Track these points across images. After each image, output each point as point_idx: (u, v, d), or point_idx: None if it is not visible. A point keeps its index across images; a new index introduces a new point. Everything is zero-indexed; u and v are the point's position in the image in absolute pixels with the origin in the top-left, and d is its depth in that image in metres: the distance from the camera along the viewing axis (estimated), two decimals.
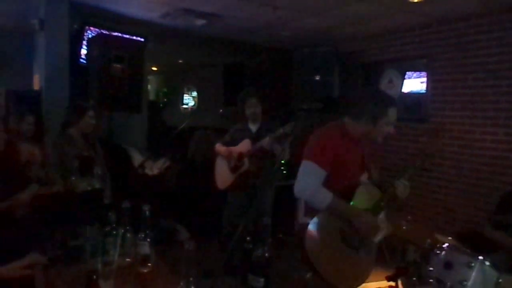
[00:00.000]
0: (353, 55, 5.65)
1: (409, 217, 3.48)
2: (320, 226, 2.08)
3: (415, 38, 4.86)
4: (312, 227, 2.07)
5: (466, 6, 3.93)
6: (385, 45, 5.27)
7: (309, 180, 2.13)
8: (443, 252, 2.78)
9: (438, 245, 2.88)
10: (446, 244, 2.85)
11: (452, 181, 4.48)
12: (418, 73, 4.89)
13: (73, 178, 2.63)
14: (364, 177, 2.36)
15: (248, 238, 1.65)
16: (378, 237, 2.25)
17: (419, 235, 3.24)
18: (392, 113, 2.21)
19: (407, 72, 4.99)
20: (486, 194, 4.10)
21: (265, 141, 3.45)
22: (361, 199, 2.20)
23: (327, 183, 2.14)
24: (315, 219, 2.09)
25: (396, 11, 4.24)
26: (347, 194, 2.18)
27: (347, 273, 2.12)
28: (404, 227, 3.42)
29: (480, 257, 2.63)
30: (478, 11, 4.07)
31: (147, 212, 1.75)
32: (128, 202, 1.80)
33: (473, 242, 3.34)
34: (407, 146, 4.96)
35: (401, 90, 5.08)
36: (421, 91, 4.82)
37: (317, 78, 5.44)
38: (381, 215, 2.26)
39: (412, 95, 4.93)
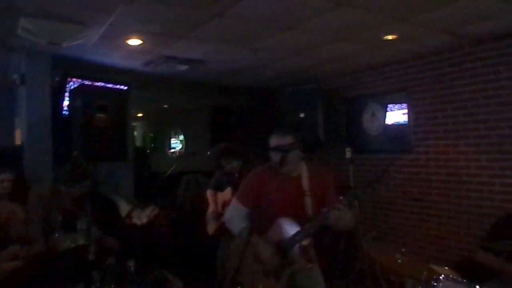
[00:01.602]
0: (335, 91, 5.77)
1: (403, 249, 3.44)
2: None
3: (393, 72, 5.01)
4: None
5: (437, 41, 4.09)
6: (366, 80, 5.41)
7: (229, 214, 2.61)
8: (440, 284, 2.76)
9: (434, 277, 2.85)
10: (442, 276, 2.83)
11: (442, 209, 4.47)
12: (396, 105, 5.00)
13: (56, 235, 2.54)
14: (308, 208, 2.41)
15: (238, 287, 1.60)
16: (293, 268, 2.31)
17: (414, 267, 3.20)
18: (272, 139, 2.44)
19: (389, 105, 5.10)
20: (476, 220, 4.10)
21: (227, 193, 3.70)
22: (277, 231, 2.36)
23: (257, 214, 2.44)
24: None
25: (373, 48, 4.38)
26: (267, 225, 2.40)
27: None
28: (399, 260, 3.37)
29: (477, 287, 2.60)
30: (450, 45, 4.24)
31: (133, 268, 1.68)
32: (113, 259, 1.73)
33: (468, 270, 3.31)
34: (394, 177, 4.98)
35: (384, 122, 5.16)
36: (403, 123, 4.90)
37: (302, 115, 5.51)
38: (296, 248, 2.31)
39: (395, 126, 5.01)
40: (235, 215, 2.56)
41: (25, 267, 2.18)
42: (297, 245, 2.30)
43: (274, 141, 2.46)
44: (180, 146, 10.28)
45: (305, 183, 2.48)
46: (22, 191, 3.55)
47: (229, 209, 2.65)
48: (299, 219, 2.37)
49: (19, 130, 4.74)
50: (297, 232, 2.32)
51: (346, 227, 2.38)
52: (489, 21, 3.52)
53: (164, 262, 4.23)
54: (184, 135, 10.10)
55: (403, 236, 4.87)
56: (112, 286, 1.70)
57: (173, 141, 10.51)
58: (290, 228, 2.34)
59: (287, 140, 2.43)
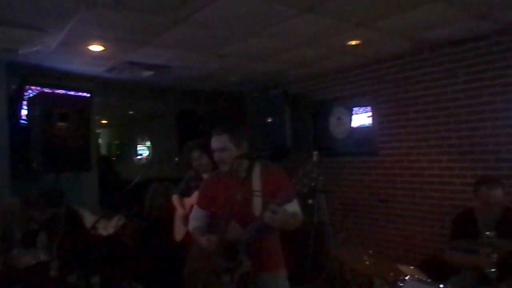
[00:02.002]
0: (302, 95, 5.83)
1: (370, 251, 3.51)
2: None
3: (357, 76, 5.12)
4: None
5: (398, 46, 4.22)
6: (331, 84, 5.50)
7: (191, 216, 2.71)
8: (406, 284, 2.83)
9: (401, 277, 2.93)
10: (408, 276, 2.91)
11: (407, 210, 4.60)
12: (360, 109, 5.11)
13: (15, 252, 2.41)
14: (256, 208, 2.41)
15: None
16: (241, 270, 2.33)
17: (382, 268, 3.27)
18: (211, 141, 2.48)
19: (354, 108, 5.20)
20: (439, 219, 4.24)
21: (195, 196, 3.49)
22: (227, 234, 2.39)
23: (213, 217, 2.51)
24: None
25: (338, 53, 4.46)
26: (222, 228, 2.42)
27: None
28: (367, 262, 3.44)
29: (441, 285, 2.69)
30: (410, 50, 4.38)
31: (97, 286, 1.62)
32: (75, 276, 1.66)
33: (434, 269, 3.42)
34: (361, 179, 5.08)
35: (350, 125, 5.26)
36: (368, 126, 5.01)
37: (269, 120, 5.53)
38: (242, 251, 2.34)
39: (361, 129, 5.11)
40: (193, 216, 2.68)
41: None
42: (243, 248, 2.31)
43: (212, 142, 2.48)
44: (147, 152, 10.09)
45: (256, 183, 2.46)
46: None
47: (192, 212, 2.75)
48: (245, 220, 2.36)
49: None
50: (243, 233, 2.32)
51: (287, 227, 2.36)
52: (446, 28, 3.66)
53: (132, 273, 4.13)
54: (150, 142, 9.93)
55: (371, 237, 4.96)
56: None
57: (139, 147, 10.31)
58: (234, 231, 2.37)
59: (222, 139, 2.42)
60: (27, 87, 4.30)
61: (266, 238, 2.43)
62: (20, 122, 4.29)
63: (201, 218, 2.61)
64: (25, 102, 4.31)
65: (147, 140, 10.08)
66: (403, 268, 3.23)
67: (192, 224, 2.65)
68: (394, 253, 4.66)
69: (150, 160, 9.77)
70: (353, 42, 4.04)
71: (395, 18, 3.37)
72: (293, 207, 2.39)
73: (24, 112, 4.31)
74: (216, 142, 2.45)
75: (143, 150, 10.25)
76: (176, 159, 7.78)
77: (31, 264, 2.30)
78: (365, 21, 3.46)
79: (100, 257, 3.72)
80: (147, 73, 4.89)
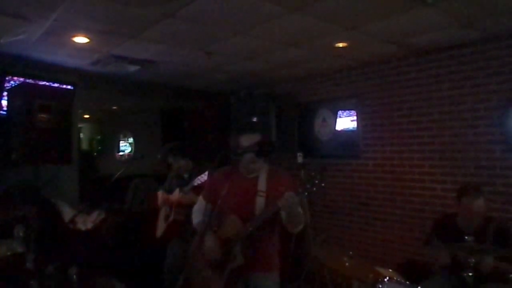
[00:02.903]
0: (288, 96, 5.84)
1: (350, 252, 3.53)
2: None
3: (343, 79, 5.16)
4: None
5: (386, 50, 4.26)
6: (317, 86, 5.53)
7: (195, 207, 2.80)
8: (385, 286, 2.87)
9: (379, 279, 2.96)
10: (386, 278, 2.94)
11: (387, 213, 4.65)
12: (348, 111, 5.15)
13: None
14: (258, 208, 2.48)
15: None
16: (234, 264, 2.39)
17: (361, 270, 3.30)
18: (239, 140, 2.55)
19: (339, 111, 5.24)
20: (419, 224, 4.30)
21: (175, 195, 3.69)
22: (227, 228, 2.48)
23: (214, 210, 2.55)
24: None
25: (324, 55, 4.49)
26: (221, 220, 2.53)
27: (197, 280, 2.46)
28: (347, 264, 3.46)
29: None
30: (396, 55, 4.43)
31: (74, 277, 1.59)
32: (52, 267, 1.63)
33: (412, 272, 3.47)
34: (343, 181, 5.12)
35: (334, 128, 5.30)
36: (353, 129, 5.05)
37: (254, 119, 5.52)
38: (238, 246, 2.40)
39: (345, 132, 5.15)
40: (197, 208, 2.76)
41: None
42: (240, 243, 2.35)
43: (242, 141, 2.51)
44: (130, 149, 9.97)
45: (262, 184, 2.52)
46: None
47: (197, 203, 2.81)
48: (246, 218, 2.41)
49: None
50: (243, 227, 2.37)
51: (295, 221, 2.44)
52: (432, 34, 3.72)
53: (110, 268, 4.07)
54: (133, 138, 9.82)
55: (350, 240, 5.01)
56: None
57: (122, 143, 10.18)
58: (234, 225, 2.41)
59: (252, 140, 2.48)
60: (7, 77, 4.19)
61: (265, 238, 2.47)
62: None
63: (202, 209, 2.66)
64: (5, 93, 4.20)
65: (130, 137, 9.95)
66: (381, 270, 3.26)
67: (196, 217, 2.72)
68: (373, 256, 4.71)
69: (132, 156, 9.65)
70: (340, 45, 4.07)
71: (383, 22, 3.41)
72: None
73: (4, 102, 4.20)
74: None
75: (125, 147, 10.12)
76: (158, 156, 7.74)
77: (6, 255, 2.24)
78: (353, 24, 3.49)
79: (77, 251, 3.66)
80: (132, 68, 4.82)
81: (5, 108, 4.18)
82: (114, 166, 9.26)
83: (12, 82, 4.16)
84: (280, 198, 2.27)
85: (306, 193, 2.33)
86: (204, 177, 3.39)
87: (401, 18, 3.30)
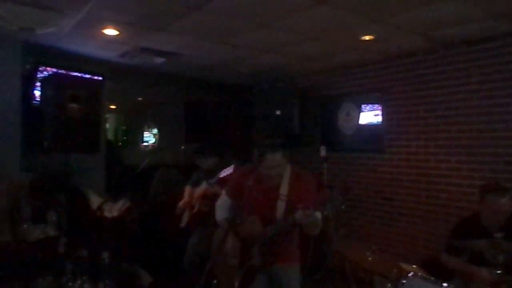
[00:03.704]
0: (311, 89, 5.82)
1: (374, 247, 3.51)
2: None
3: (368, 73, 5.10)
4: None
5: (412, 43, 4.19)
6: (341, 79, 5.48)
7: (218, 202, 2.81)
8: (409, 281, 2.83)
9: (404, 275, 2.92)
10: (411, 273, 2.90)
11: (412, 209, 4.60)
12: (371, 105, 5.09)
13: (25, 226, 2.46)
14: (279, 212, 2.50)
15: (214, 281, 1.60)
16: (251, 263, 2.42)
17: (384, 265, 3.27)
18: (258, 138, 2.54)
19: (363, 105, 5.19)
20: (444, 220, 4.23)
21: (202, 187, 3.83)
22: (247, 227, 2.49)
23: (237, 208, 2.62)
24: None
25: (348, 48, 4.44)
26: (242, 219, 2.56)
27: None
28: (369, 258, 3.44)
29: (445, 284, 2.69)
30: (424, 48, 4.35)
31: (107, 260, 1.65)
32: (85, 250, 1.69)
33: (435, 270, 3.42)
34: (367, 176, 5.08)
35: (358, 122, 5.26)
36: (377, 123, 5.00)
37: (278, 112, 5.53)
38: (256, 247, 2.43)
39: (369, 126, 5.10)
40: (220, 205, 2.79)
41: None
42: (259, 244, 2.38)
43: (260, 139, 2.53)
44: (153, 140, 10.13)
45: (284, 187, 2.53)
46: None
47: (219, 198, 2.85)
48: (266, 220, 2.43)
49: None
50: (263, 231, 2.39)
51: (311, 230, 2.47)
52: (461, 26, 3.63)
53: (133, 256, 4.18)
54: (157, 129, 9.96)
55: (373, 235, 4.98)
56: (85, 278, 1.65)
57: (146, 134, 10.35)
58: (254, 226, 2.43)
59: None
60: (41, 67, 4.33)
61: (284, 236, 2.48)
62: (32, 102, 4.33)
63: (228, 206, 2.72)
64: (38, 83, 4.34)
65: (154, 128, 10.11)
66: (405, 266, 3.23)
67: (219, 213, 2.74)
68: (396, 252, 4.66)
69: (156, 147, 9.81)
70: (366, 38, 4.02)
71: (410, 14, 3.35)
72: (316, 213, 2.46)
73: (37, 92, 4.34)
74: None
75: (149, 137, 10.29)
76: (182, 147, 7.85)
77: (40, 239, 2.34)
78: (379, 16, 3.44)
79: (104, 237, 3.78)
80: (158, 60, 4.89)
81: (38, 98, 4.33)
82: (138, 157, 9.43)
83: (45, 72, 4.29)
84: (297, 211, 2.28)
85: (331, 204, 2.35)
86: (229, 169, 3.44)
87: (429, 9, 3.23)
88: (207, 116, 7.31)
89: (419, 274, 2.94)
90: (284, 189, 2.52)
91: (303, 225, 2.34)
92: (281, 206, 2.48)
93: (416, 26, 3.67)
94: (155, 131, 10.09)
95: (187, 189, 4.10)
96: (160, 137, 9.85)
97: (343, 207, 2.41)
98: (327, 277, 4.55)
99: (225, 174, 3.54)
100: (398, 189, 4.74)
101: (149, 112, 10.12)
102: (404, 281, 2.85)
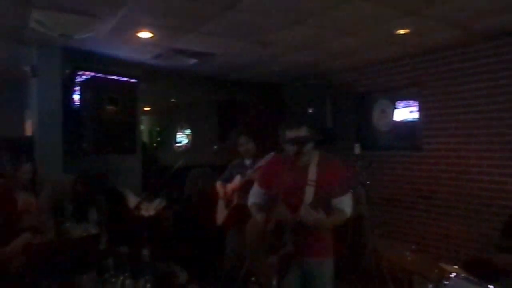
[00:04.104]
0: (344, 86, 5.73)
1: (413, 246, 3.43)
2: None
3: (404, 67, 4.96)
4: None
5: (451, 36, 4.04)
6: (375, 75, 5.37)
7: (250, 192, 2.81)
8: (452, 283, 2.72)
9: (445, 275, 2.82)
10: (454, 274, 2.79)
11: (451, 208, 4.44)
12: (406, 102, 4.96)
13: (68, 225, 2.55)
14: (307, 198, 2.45)
15: (253, 279, 1.60)
16: (284, 251, 2.38)
17: (425, 266, 3.18)
18: (287, 131, 2.49)
19: (397, 102, 5.06)
20: (487, 220, 4.06)
21: (236, 181, 3.73)
22: (276, 215, 2.45)
23: (268, 197, 2.62)
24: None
25: (384, 43, 4.34)
26: (272, 206, 2.52)
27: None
28: (408, 258, 3.36)
29: (490, 286, 2.57)
30: (463, 40, 4.19)
31: (147, 256, 1.68)
32: (126, 247, 1.73)
33: (480, 270, 3.27)
34: (403, 174, 4.95)
35: (393, 119, 5.13)
36: (413, 120, 4.86)
37: (310, 110, 5.48)
38: (287, 233, 2.40)
39: (405, 123, 4.97)
40: (252, 192, 2.80)
41: (37, 255, 2.19)
42: (290, 231, 2.36)
43: (290, 133, 2.48)
44: (186, 140, 10.28)
45: (312, 173, 2.49)
46: (34, 182, 3.57)
47: (253, 187, 2.86)
48: (295, 207, 2.39)
49: (29, 121, 4.76)
50: (295, 214, 2.37)
51: (324, 227, 2.44)
52: (501, 17, 3.47)
53: (170, 254, 4.26)
54: (190, 129, 10.10)
55: (411, 234, 4.84)
56: (126, 274, 1.69)
57: (179, 135, 10.52)
58: (283, 213, 2.42)
59: (303, 132, 2.44)
60: (79, 72, 4.48)
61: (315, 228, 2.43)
62: (72, 105, 4.49)
63: (259, 195, 2.72)
64: (77, 87, 4.49)
65: (187, 128, 10.25)
66: (446, 266, 3.12)
67: (251, 200, 2.76)
68: (435, 252, 4.52)
69: (189, 147, 9.94)
70: (401, 31, 3.91)
71: (448, 5, 3.22)
72: (343, 202, 2.45)
73: (76, 96, 4.49)
74: (297, 134, 2.46)
75: (182, 138, 10.45)
76: (215, 146, 7.92)
77: (82, 236, 2.42)
78: (415, 8, 3.33)
79: (141, 236, 3.86)
80: (191, 61, 4.96)
81: (77, 102, 4.48)
82: (173, 157, 9.60)
83: (84, 76, 4.44)
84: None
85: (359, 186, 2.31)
86: (269, 157, 3.37)
87: (468, 0, 3.10)
88: (239, 115, 7.35)
89: (462, 275, 2.83)
90: (312, 174, 2.49)
91: (308, 224, 2.31)
92: (309, 191, 2.45)
93: (453, 18, 3.54)
94: (188, 131, 10.24)
95: (219, 185, 4.03)
96: (193, 138, 9.98)
97: (368, 182, 2.31)
98: (363, 277, 4.47)
99: (264, 163, 3.47)
100: (436, 187, 4.59)
101: (182, 113, 10.28)
102: (447, 282, 2.75)
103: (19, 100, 5.71)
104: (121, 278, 1.68)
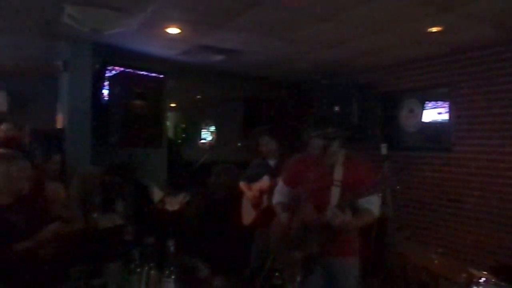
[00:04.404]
0: (372, 85, 5.63)
1: (440, 249, 3.33)
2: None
3: (435, 67, 4.83)
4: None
5: (485, 34, 3.91)
6: (404, 74, 5.25)
7: (276, 189, 2.85)
8: None
9: (474, 280, 2.74)
10: (483, 279, 2.71)
11: (481, 212, 4.30)
12: (434, 103, 4.83)
13: (95, 215, 2.61)
14: (333, 198, 2.43)
15: (277, 274, 1.59)
16: (308, 251, 2.36)
17: (452, 270, 3.09)
18: (315, 128, 2.53)
19: (429, 101, 4.94)
20: None
21: (265, 182, 3.67)
22: (301, 215, 2.45)
23: (293, 195, 2.62)
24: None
25: (414, 41, 4.24)
26: (297, 206, 2.51)
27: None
28: (435, 261, 3.27)
29: None
30: (497, 39, 4.04)
31: (172, 248, 1.70)
32: (152, 238, 1.75)
33: (507, 277, 3.16)
34: (431, 176, 4.83)
35: (421, 119, 5.02)
36: (442, 121, 4.73)
37: (336, 109, 5.41)
38: (312, 234, 2.37)
39: (434, 124, 4.85)
40: (277, 190, 2.83)
41: (67, 244, 2.25)
42: (314, 231, 2.34)
43: (317, 130, 2.49)
44: (211, 137, 10.36)
45: (338, 173, 2.47)
46: (63, 172, 3.68)
47: (277, 186, 2.89)
48: (321, 206, 2.37)
49: (60, 114, 4.89)
50: (315, 219, 2.35)
51: (350, 229, 2.40)
52: None
53: (193, 249, 4.29)
54: (215, 126, 10.17)
55: (437, 238, 4.72)
56: (152, 264, 1.71)
57: (203, 132, 10.60)
58: (309, 213, 2.40)
59: (330, 129, 2.44)
60: (109, 66, 4.57)
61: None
62: (101, 100, 4.59)
63: (285, 193, 2.74)
64: (106, 81, 4.59)
65: (211, 125, 10.33)
66: (475, 271, 3.02)
67: (276, 198, 2.78)
68: (462, 257, 4.39)
69: (213, 144, 10.01)
70: (434, 29, 3.80)
71: (484, 2, 3.11)
72: (369, 202, 2.41)
73: (105, 90, 4.59)
74: (324, 130, 2.48)
75: (207, 135, 10.53)
76: (239, 144, 7.95)
77: (108, 227, 2.47)
78: (449, 5, 3.23)
79: (165, 229, 3.91)
80: (218, 58, 4.98)
81: (106, 97, 4.58)
82: (197, 153, 9.68)
83: (113, 71, 4.53)
84: (328, 210, 2.26)
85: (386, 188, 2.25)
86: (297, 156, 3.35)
87: None
88: (265, 113, 7.35)
89: (492, 280, 2.74)
90: (338, 175, 2.46)
91: (334, 225, 2.27)
92: (335, 192, 2.42)
93: (489, 15, 3.41)
94: (212, 128, 10.31)
95: (243, 185, 4.01)
96: (218, 135, 10.05)
97: (398, 187, 2.25)
98: (386, 280, 4.39)
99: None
100: (466, 190, 4.45)
101: (207, 110, 10.36)
102: (475, 287, 2.67)
103: (52, 94, 5.88)
104: (147, 268, 1.70)
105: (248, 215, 3.90)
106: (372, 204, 2.44)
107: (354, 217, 2.33)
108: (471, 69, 4.43)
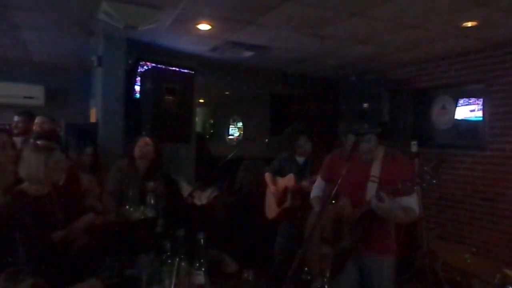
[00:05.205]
0: (402, 81, 5.53)
1: (473, 249, 3.25)
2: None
3: (469, 63, 4.69)
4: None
5: None
6: (436, 71, 5.12)
7: (314, 184, 2.92)
8: None
9: (509, 281, 2.66)
10: None
11: None
12: (466, 100, 4.69)
13: (127, 207, 2.68)
14: (369, 193, 2.40)
15: (306, 269, 1.59)
16: (342, 245, 2.36)
17: (486, 269, 3.01)
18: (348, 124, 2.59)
19: (462, 97, 4.81)
20: None
21: (290, 180, 3.68)
22: (337, 209, 2.44)
23: (328, 190, 2.65)
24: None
25: (448, 36, 4.12)
26: (334, 201, 2.47)
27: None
28: (468, 261, 3.19)
29: None
30: None
31: (202, 241, 1.73)
32: (182, 230, 1.80)
33: None
34: (464, 174, 4.70)
35: (454, 116, 4.88)
36: (475, 118, 4.59)
37: (365, 106, 5.33)
38: (346, 228, 2.37)
39: (467, 121, 4.71)
40: (316, 185, 2.89)
41: (99, 236, 2.33)
42: (349, 225, 2.33)
43: (349, 126, 2.53)
44: (238, 133, 10.41)
45: (376, 168, 2.44)
46: (97, 165, 3.80)
47: (316, 181, 2.94)
48: (357, 202, 2.36)
49: (94, 109, 5.04)
50: (355, 210, 2.34)
51: (394, 219, 2.39)
52: None
53: (221, 243, 4.35)
54: (242, 123, 10.21)
55: (470, 237, 4.60)
56: (182, 256, 1.75)
57: (231, 127, 10.67)
58: (345, 208, 2.39)
59: (362, 124, 2.42)
60: (141, 62, 4.67)
61: (376, 222, 2.38)
62: (133, 95, 4.70)
63: (323, 188, 2.80)
64: (138, 77, 4.69)
65: (239, 121, 10.38)
66: (510, 272, 2.93)
67: (313, 192, 2.85)
68: (496, 256, 4.26)
69: (240, 140, 10.07)
70: (469, 24, 3.69)
71: None
72: (409, 201, 2.36)
73: (137, 85, 4.70)
74: (357, 126, 2.47)
75: (234, 130, 10.59)
76: (266, 140, 7.96)
77: (140, 219, 2.54)
78: None
79: (194, 223, 3.98)
80: (247, 54, 5.00)
81: (138, 92, 4.69)
82: (225, 149, 9.76)
83: (145, 67, 4.63)
84: (372, 199, 2.22)
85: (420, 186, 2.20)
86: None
87: None
88: (292, 109, 7.33)
89: None
90: (375, 171, 2.43)
91: (379, 213, 2.24)
92: (372, 187, 2.40)
93: None
94: (240, 124, 10.36)
95: (268, 176, 4.00)
96: (245, 130, 10.09)
97: (434, 181, 2.19)
98: (416, 278, 4.31)
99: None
100: (501, 189, 4.32)
101: (234, 106, 10.41)
102: None
103: (86, 89, 6.07)
104: (177, 259, 1.74)
105: (271, 210, 3.94)
106: (413, 203, 2.39)
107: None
108: (507, 64, 4.27)
